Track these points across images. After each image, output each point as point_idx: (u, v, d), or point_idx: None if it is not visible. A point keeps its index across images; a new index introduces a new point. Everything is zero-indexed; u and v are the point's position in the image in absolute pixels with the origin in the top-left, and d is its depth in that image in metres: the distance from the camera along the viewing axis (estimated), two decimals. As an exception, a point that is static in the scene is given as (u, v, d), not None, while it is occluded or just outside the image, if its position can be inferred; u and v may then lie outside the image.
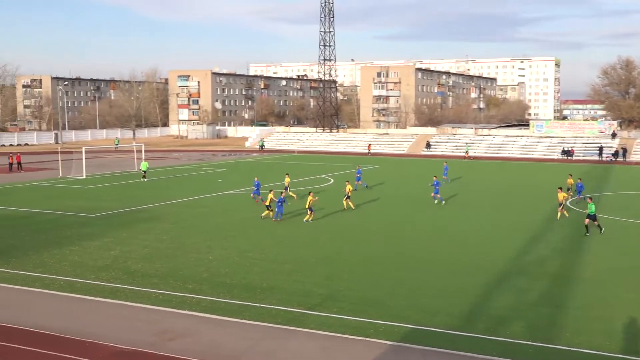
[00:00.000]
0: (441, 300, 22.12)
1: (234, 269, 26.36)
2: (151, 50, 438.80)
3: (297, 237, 32.99)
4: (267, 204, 38.00)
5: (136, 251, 29.61)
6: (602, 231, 33.50)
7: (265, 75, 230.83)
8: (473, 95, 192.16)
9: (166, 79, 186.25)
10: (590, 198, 34.65)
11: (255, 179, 45.31)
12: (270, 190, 39.25)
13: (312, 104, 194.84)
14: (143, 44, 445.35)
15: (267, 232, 34.25)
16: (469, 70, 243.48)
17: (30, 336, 18.76)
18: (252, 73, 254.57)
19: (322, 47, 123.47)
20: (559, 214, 37.85)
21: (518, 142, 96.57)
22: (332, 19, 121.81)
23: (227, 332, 19.23)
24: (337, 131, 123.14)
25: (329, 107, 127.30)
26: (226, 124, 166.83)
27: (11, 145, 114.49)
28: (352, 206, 41.97)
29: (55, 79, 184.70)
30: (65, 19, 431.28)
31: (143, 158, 68.91)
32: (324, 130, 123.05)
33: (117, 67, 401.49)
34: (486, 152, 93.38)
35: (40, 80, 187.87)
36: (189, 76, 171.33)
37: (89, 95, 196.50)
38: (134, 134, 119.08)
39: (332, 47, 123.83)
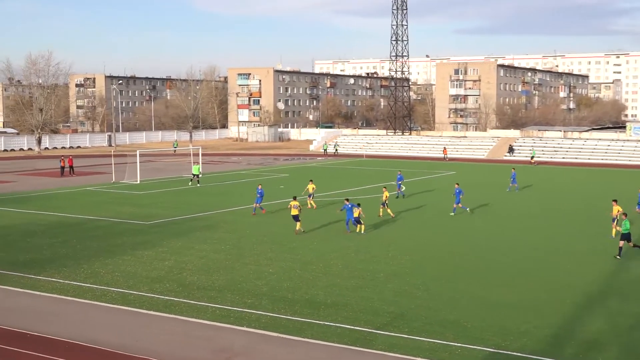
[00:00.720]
0: (524, 322, 21.70)
1: (296, 283, 26.50)
2: (210, 47, 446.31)
3: (364, 249, 32.92)
4: (296, 213, 36.87)
5: (192, 262, 30.11)
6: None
7: (331, 72, 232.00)
8: (562, 94, 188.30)
9: (225, 78, 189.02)
10: (625, 214, 32.67)
11: (259, 187, 45.42)
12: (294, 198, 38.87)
13: (382, 104, 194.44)
14: (201, 40, 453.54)
15: (332, 243, 34.30)
16: (557, 66, 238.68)
17: (81, 350, 19.26)
18: (317, 70, 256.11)
19: (393, 42, 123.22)
20: (614, 230, 35.31)
21: (613, 146, 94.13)
22: (405, 11, 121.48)
23: (288, 351, 19.32)
24: (410, 134, 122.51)
25: (400, 107, 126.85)
26: (289, 125, 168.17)
27: (63, 147, 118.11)
28: (390, 214, 41.90)
29: (109, 78, 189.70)
30: (120, 14, 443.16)
31: (196, 161, 70.04)
32: (395, 132, 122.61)
33: (173, 65, 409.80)
34: (576, 158, 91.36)
35: (94, 79, 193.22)
36: (249, 74, 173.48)
37: (144, 95, 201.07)
38: (190, 136, 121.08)
39: (405, 42, 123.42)
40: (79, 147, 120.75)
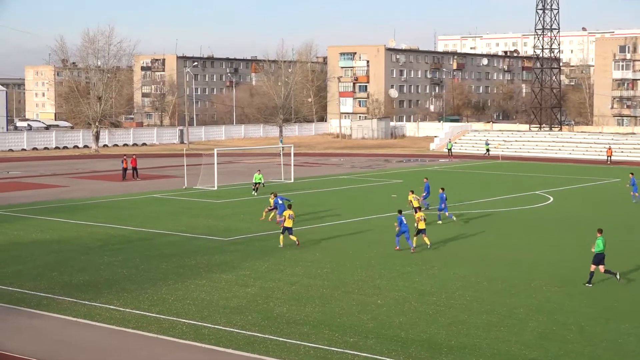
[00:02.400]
0: None
1: (411, 319, 26.38)
2: (306, 20, 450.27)
3: (500, 277, 32.45)
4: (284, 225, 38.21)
5: (280, 289, 30.40)
6: (619, 279, 31.31)
7: (459, 51, 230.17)
8: None
9: (325, 58, 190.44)
10: (600, 230, 32.02)
11: (274, 196, 45.64)
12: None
13: (524, 91, 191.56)
14: (295, 12, 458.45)
15: (457, 268, 34.01)
16: None
17: (144, 395, 19.72)
18: (440, 49, 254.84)
19: (539, 12, 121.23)
20: None
21: None
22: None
23: (399, 405, 19.23)
24: (560, 129, 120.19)
25: (548, 95, 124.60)
26: (404, 118, 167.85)
27: (125, 145, 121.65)
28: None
29: (182, 59, 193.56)
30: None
31: (290, 162, 70.64)
32: (540, 128, 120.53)
33: (260, 42, 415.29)
34: None
35: (163, 60, 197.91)
36: (354, 53, 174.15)
37: (223, 79, 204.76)
38: (280, 131, 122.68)
39: (555, 12, 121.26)
40: (144, 144, 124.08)
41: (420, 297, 29.17)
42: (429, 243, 38.27)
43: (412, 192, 46.58)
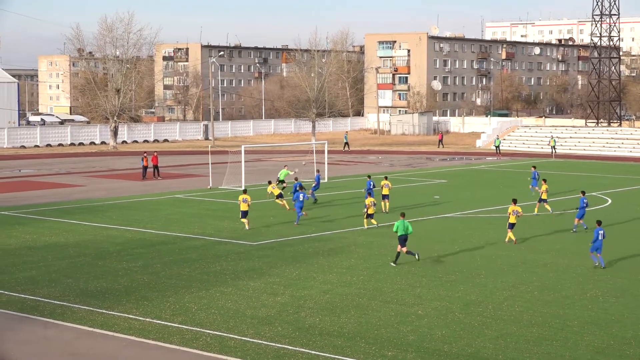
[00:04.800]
0: None
1: (455, 331, 26.35)
2: (341, 5, 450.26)
3: (552, 287, 32.32)
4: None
5: (312, 297, 30.46)
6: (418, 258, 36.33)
7: (508, 40, 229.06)
8: None
9: (362, 47, 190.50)
10: (403, 214, 37.17)
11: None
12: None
13: (579, 82, 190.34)
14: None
15: (505, 276, 33.91)
16: None
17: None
18: (488, 37, 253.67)
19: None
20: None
21: None
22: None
23: None
24: (619, 125, 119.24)
25: (607, 87, 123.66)
26: (447, 112, 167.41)
27: (146, 141, 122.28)
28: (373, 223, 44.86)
29: (207, 48, 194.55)
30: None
31: (324, 160, 70.59)
32: (597, 123, 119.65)
33: (292, 30, 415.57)
34: None
35: (187, 49, 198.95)
36: (394, 42, 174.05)
37: (251, 70, 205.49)
38: (313, 126, 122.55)
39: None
40: (165, 140, 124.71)
41: (464, 308, 29.11)
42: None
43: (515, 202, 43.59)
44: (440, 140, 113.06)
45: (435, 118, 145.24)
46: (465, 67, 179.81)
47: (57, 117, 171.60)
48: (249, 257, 37.90)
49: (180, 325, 26.83)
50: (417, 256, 36.39)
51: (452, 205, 55.18)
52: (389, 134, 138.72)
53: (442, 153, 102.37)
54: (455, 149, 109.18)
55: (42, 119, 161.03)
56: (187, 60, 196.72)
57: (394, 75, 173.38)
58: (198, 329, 26.42)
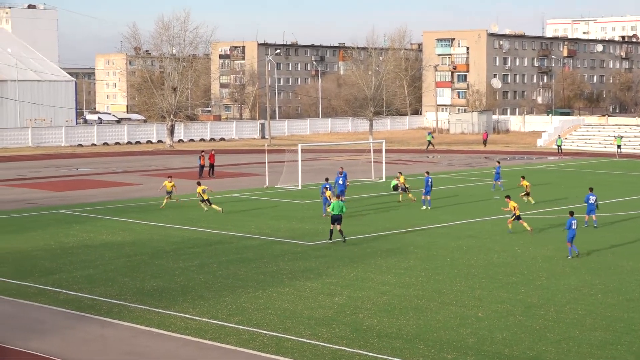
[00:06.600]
0: None
1: (516, 334, 26.15)
2: (398, 3, 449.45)
3: (616, 289, 31.94)
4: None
5: (371, 299, 30.41)
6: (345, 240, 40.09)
7: (569, 37, 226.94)
8: None
9: (420, 45, 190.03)
10: (338, 196, 42.30)
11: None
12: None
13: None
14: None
15: (568, 278, 33.60)
16: None
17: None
18: (549, 34, 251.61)
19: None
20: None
21: None
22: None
23: None
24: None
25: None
26: (508, 111, 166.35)
27: (202, 140, 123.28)
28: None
29: (263, 46, 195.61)
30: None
31: (382, 160, 70.34)
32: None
33: (349, 28, 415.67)
34: None
35: (243, 47, 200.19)
36: (453, 39, 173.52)
37: (308, 68, 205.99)
38: (371, 125, 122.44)
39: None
40: (222, 139, 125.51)
41: (526, 310, 28.87)
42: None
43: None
44: (485, 140, 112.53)
45: (494, 117, 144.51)
46: (525, 64, 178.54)
47: (114, 115, 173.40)
48: (306, 257, 37.97)
49: (236, 326, 26.94)
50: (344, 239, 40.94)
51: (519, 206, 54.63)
52: (447, 133, 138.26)
53: (502, 152, 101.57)
54: (515, 148, 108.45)
55: (99, 118, 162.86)
56: (243, 59, 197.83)
57: (452, 73, 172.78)
58: (254, 329, 26.51)
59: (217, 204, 51.48)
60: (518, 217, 43.83)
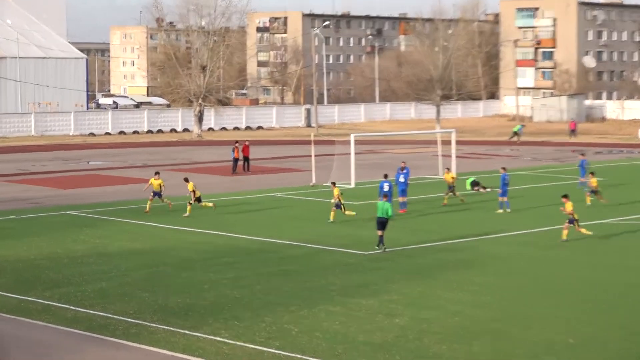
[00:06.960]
0: None
1: (615, 364, 25.93)
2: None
3: None
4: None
5: (438, 320, 30.22)
6: None
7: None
8: None
9: (496, 16, 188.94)
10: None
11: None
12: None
13: None
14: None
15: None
16: None
17: None
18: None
19: None
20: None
21: None
22: None
23: None
24: None
25: None
26: (603, 95, 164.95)
27: (236, 128, 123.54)
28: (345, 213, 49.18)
29: (309, 17, 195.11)
30: None
31: (451, 154, 70.08)
32: None
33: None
34: None
35: (285, 19, 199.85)
36: (536, 9, 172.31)
37: (362, 44, 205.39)
38: (438, 112, 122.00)
39: None
40: (260, 127, 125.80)
41: (627, 337, 28.53)
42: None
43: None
44: (573, 130, 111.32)
45: (587, 102, 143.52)
46: (624, 39, 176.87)
47: (131, 99, 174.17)
48: (361, 270, 37.88)
49: (277, 351, 26.81)
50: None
51: (608, 209, 54.16)
52: (531, 121, 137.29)
53: (596, 144, 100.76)
54: (612, 140, 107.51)
55: (114, 102, 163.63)
56: (285, 32, 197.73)
57: (536, 49, 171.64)
58: (299, 356, 26.39)
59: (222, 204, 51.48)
60: (572, 221, 43.52)
